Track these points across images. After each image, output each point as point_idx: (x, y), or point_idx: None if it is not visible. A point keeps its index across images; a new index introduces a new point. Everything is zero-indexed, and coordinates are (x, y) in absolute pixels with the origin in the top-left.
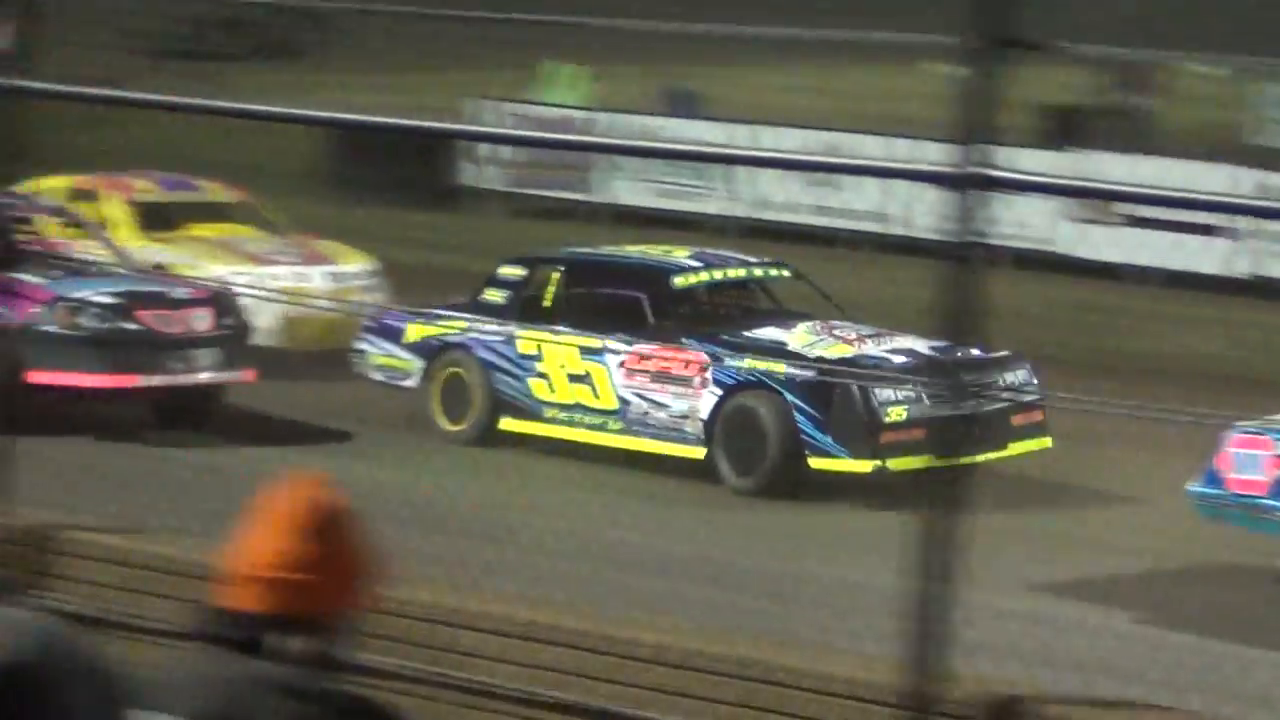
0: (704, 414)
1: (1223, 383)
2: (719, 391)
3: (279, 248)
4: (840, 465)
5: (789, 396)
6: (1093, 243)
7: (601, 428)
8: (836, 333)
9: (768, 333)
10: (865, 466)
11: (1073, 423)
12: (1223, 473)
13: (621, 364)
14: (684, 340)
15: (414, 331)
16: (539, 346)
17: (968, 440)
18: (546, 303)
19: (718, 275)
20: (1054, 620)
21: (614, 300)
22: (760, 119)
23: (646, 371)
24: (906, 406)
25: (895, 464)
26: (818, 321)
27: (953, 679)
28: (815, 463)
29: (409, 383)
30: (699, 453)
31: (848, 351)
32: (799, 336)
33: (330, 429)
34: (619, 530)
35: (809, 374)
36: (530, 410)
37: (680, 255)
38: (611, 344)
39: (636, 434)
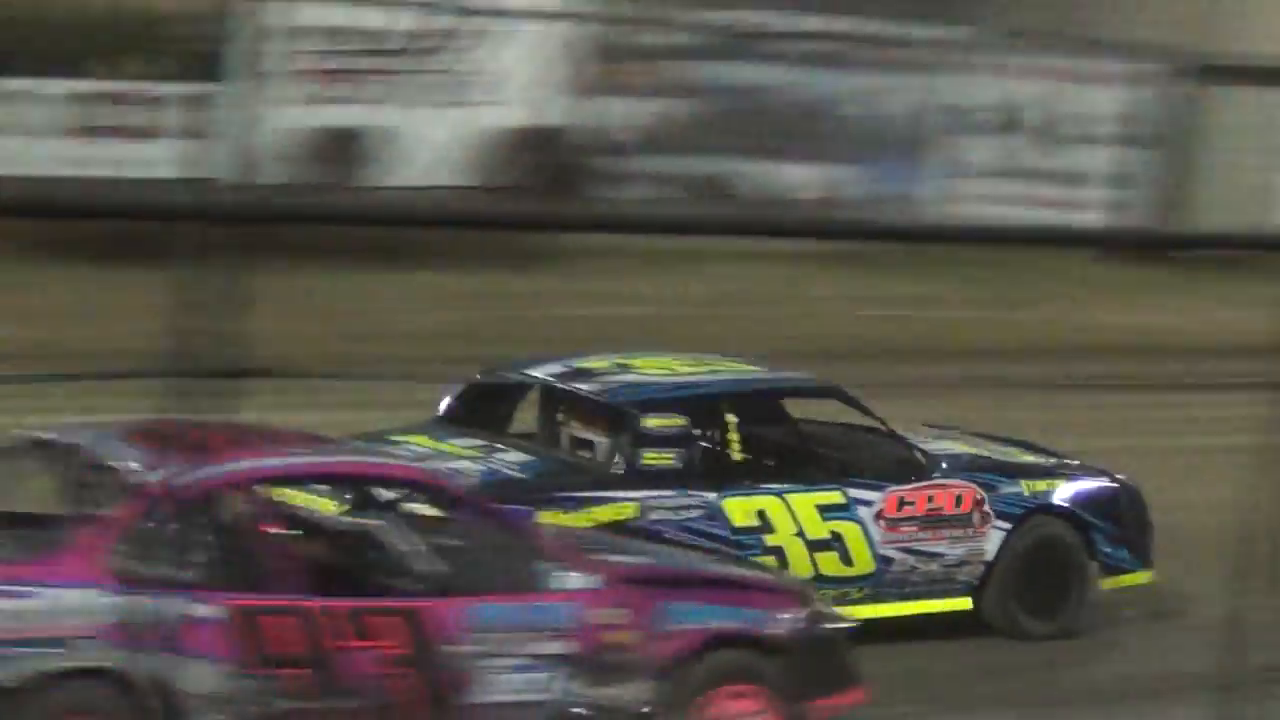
0: (989, 555)
1: None
2: (1005, 525)
3: None
4: (1134, 579)
5: (1082, 514)
6: None
7: (841, 601)
8: (965, 439)
9: (950, 447)
10: (1148, 575)
11: None
12: None
13: (879, 515)
14: (942, 469)
15: None
16: (758, 514)
17: None
18: (735, 454)
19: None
20: None
21: (831, 441)
22: None
23: (913, 519)
24: None
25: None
26: (933, 428)
27: None
28: (1109, 583)
29: None
30: (964, 603)
31: (1024, 454)
32: (984, 446)
33: None
34: None
35: (1094, 485)
36: None
37: (750, 366)
38: (859, 493)
39: (884, 599)
